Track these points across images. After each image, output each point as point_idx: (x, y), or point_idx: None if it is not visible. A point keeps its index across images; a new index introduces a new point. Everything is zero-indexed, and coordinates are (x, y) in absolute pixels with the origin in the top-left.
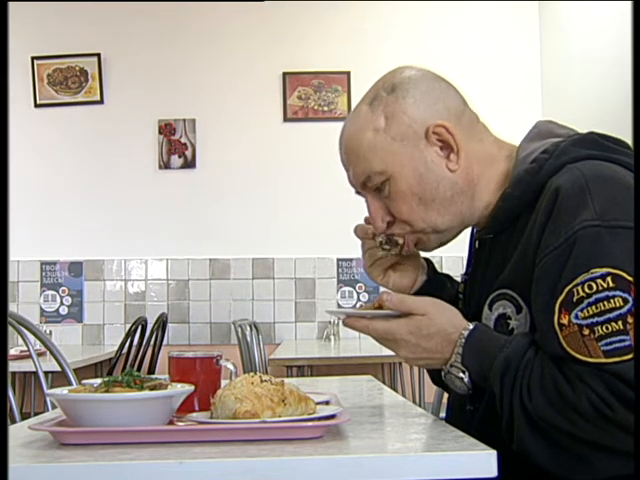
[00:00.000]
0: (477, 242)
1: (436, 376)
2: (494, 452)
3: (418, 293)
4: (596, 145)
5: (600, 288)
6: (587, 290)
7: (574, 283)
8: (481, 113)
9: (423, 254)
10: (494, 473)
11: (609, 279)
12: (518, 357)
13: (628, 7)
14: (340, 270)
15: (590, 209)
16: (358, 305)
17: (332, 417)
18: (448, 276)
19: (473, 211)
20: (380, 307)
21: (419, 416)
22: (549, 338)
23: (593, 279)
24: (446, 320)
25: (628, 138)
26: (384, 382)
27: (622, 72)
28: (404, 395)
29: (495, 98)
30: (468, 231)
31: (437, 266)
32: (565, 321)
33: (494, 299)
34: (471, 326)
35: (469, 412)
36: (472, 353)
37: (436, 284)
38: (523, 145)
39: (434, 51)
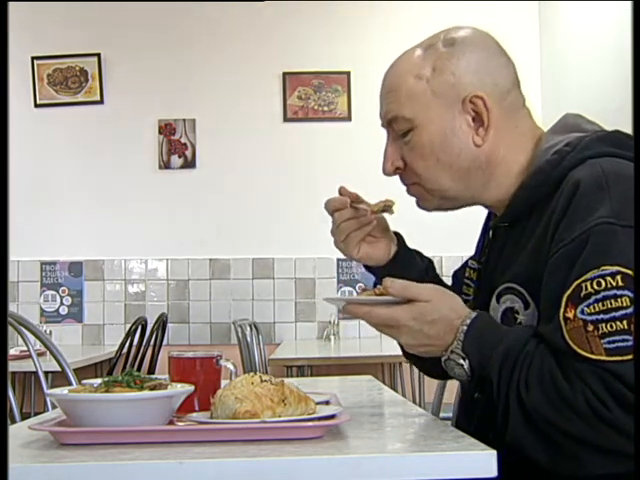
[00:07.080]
0: (492, 231)
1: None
2: (494, 452)
3: (390, 266)
4: (620, 143)
5: (609, 286)
6: (595, 286)
7: (583, 278)
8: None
9: (393, 223)
10: (494, 473)
11: (619, 278)
12: (518, 348)
13: (628, 7)
14: (340, 270)
15: (607, 206)
16: (357, 288)
17: (332, 417)
18: (417, 252)
19: (485, 191)
20: (379, 295)
21: (419, 416)
22: (553, 330)
23: (603, 276)
24: (449, 307)
25: None
26: (384, 382)
27: (622, 71)
28: (404, 395)
29: None
30: (482, 217)
31: (437, 265)
32: (570, 315)
33: (502, 292)
34: (474, 314)
35: (475, 400)
36: (473, 340)
37: (407, 257)
38: (547, 136)
39: None
